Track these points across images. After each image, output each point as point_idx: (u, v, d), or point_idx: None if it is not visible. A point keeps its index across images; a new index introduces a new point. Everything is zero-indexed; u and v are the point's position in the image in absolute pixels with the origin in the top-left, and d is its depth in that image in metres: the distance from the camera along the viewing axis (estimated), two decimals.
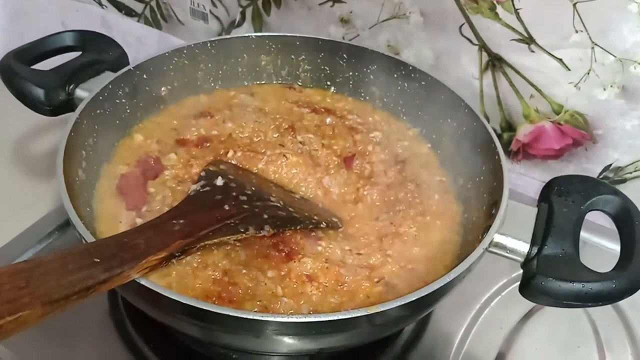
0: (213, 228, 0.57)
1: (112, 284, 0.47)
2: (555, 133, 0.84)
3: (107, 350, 0.66)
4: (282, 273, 0.59)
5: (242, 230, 0.59)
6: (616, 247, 0.79)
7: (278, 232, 0.62)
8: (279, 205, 0.64)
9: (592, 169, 0.84)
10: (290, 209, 0.64)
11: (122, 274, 0.47)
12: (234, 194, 0.63)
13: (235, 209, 0.61)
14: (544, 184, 0.65)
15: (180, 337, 0.66)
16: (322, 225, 0.64)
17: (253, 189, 0.65)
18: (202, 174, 0.67)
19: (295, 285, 0.59)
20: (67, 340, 0.66)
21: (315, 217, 0.65)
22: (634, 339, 0.73)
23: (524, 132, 0.87)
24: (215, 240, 0.56)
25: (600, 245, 0.82)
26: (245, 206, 0.62)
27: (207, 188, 0.64)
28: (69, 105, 0.72)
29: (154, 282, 0.50)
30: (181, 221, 0.56)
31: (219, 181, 0.65)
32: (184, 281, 0.57)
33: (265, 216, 0.61)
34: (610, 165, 0.83)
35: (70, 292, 0.43)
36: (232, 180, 0.66)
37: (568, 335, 0.73)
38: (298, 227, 0.63)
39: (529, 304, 0.73)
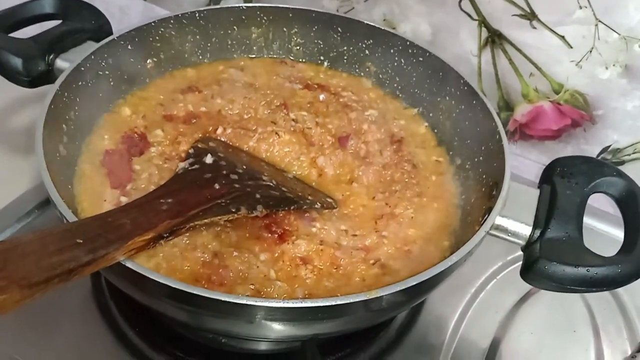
0: (203, 208, 0.54)
1: (96, 266, 0.45)
2: (554, 113, 0.82)
3: (90, 334, 0.64)
4: (275, 255, 0.57)
5: (233, 210, 0.56)
6: (611, 230, 0.80)
7: (271, 213, 0.59)
8: (271, 184, 0.62)
9: (590, 151, 0.83)
10: (284, 188, 0.62)
11: (107, 256, 0.45)
12: (225, 172, 0.61)
13: (226, 188, 0.58)
14: (540, 165, 0.63)
15: (167, 321, 0.64)
16: (316, 206, 0.62)
17: (244, 167, 0.63)
18: (191, 151, 0.64)
19: (289, 268, 0.57)
20: (47, 324, 0.63)
21: (309, 197, 0.62)
22: (629, 323, 0.72)
23: (522, 111, 0.85)
24: (205, 221, 0.54)
25: (595, 229, 0.81)
26: (237, 185, 0.59)
27: (196, 166, 0.61)
28: (49, 76, 0.69)
29: (140, 265, 0.48)
30: (169, 200, 0.53)
31: (209, 159, 0.62)
32: (171, 263, 0.55)
33: (258, 196, 0.59)
34: (609, 146, 0.81)
35: (50, 275, 0.41)
36: (222, 158, 0.63)
37: (564, 319, 0.72)
38: (292, 208, 0.60)
39: (524, 288, 0.72)
